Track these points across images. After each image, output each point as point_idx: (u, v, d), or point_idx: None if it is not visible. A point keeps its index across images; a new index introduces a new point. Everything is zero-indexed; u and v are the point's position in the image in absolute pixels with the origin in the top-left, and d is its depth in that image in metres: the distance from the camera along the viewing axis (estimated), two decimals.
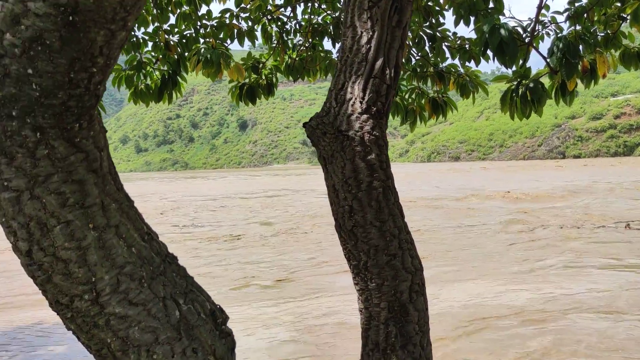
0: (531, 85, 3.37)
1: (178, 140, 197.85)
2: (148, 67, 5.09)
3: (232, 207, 26.64)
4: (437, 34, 5.15)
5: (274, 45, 5.78)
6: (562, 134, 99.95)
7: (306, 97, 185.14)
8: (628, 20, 3.89)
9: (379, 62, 2.19)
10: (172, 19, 5.18)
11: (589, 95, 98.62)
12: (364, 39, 2.24)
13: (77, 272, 1.20)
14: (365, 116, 2.17)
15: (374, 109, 2.19)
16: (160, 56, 5.08)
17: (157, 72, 5.10)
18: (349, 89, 2.22)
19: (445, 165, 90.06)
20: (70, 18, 1.01)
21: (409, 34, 4.87)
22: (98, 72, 1.13)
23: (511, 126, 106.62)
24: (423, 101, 5.17)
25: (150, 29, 5.12)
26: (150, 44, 5.15)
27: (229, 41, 5.33)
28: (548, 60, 3.26)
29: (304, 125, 2.29)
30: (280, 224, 19.17)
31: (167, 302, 1.32)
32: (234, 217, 21.93)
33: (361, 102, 2.18)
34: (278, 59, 5.77)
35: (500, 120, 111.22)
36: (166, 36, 5.09)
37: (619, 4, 4.13)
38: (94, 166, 1.21)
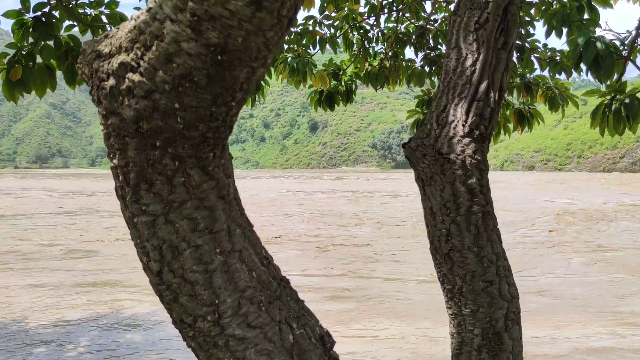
0: (627, 101, 3.18)
1: (250, 139, 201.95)
2: None
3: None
4: (527, 45, 5.00)
5: (355, 52, 5.79)
6: None
7: (377, 100, 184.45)
8: None
9: (483, 85, 2.16)
10: None
11: None
12: (469, 61, 2.21)
13: (203, 295, 1.25)
14: (467, 139, 2.14)
15: (477, 132, 2.15)
16: None
17: None
18: (452, 111, 2.20)
19: (534, 175, 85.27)
20: (219, 57, 1.07)
21: None
22: (236, 105, 1.19)
23: (591, 136, 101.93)
24: (508, 112, 5.04)
25: None
26: None
27: (310, 47, 5.38)
28: None
29: (403, 145, 2.27)
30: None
31: (282, 326, 1.34)
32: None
33: (464, 125, 2.14)
34: (359, 66, 5.77)
35: (580, 130, 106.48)
36: None
37: None
38: (222, 193, 1.27)
